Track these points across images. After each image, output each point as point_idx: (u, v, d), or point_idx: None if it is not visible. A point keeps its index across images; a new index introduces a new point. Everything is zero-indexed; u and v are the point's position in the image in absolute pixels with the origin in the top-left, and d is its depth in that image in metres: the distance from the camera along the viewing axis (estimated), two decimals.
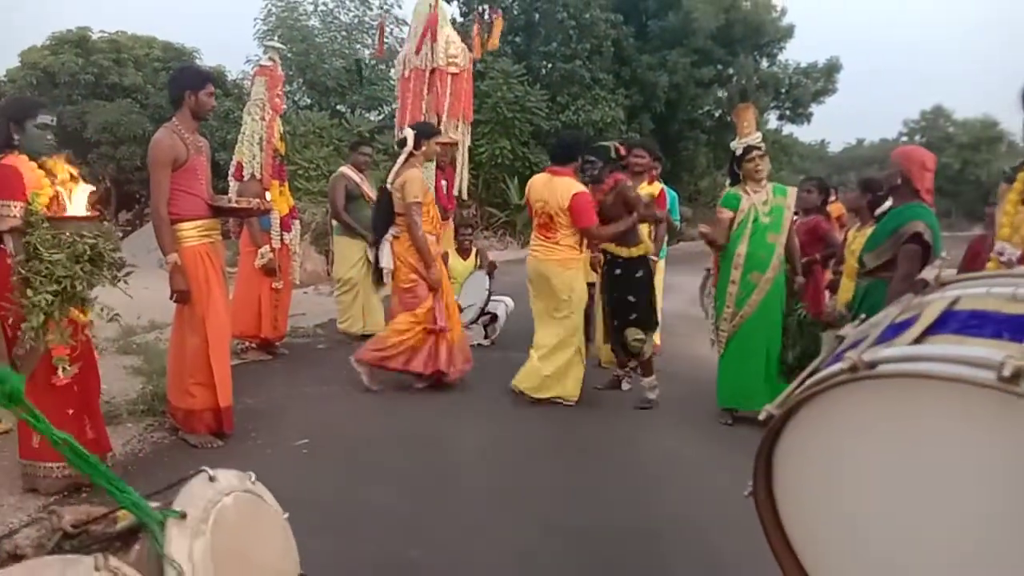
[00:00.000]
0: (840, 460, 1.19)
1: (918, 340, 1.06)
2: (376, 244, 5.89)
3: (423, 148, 5.45)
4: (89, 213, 3.38)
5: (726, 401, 4.96)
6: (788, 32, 23.99)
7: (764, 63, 24.59)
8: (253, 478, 1.46)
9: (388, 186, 5.47)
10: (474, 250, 7.60)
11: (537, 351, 5.25)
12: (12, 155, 3.40)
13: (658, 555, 3.09)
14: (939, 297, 1.14)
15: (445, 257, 6.16)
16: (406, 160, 5.43)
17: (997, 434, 0.96)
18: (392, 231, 5.46)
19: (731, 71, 23.26)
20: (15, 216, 3.20)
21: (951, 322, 1.07)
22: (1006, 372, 0.87)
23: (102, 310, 3.43)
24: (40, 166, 3.45)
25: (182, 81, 4.17)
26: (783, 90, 24.61)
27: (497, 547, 3.08)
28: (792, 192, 5.04)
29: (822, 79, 24.85)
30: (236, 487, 1.40)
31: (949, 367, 0.96)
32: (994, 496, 1.01)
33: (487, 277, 7.20)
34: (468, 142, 7.67)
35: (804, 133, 41.70)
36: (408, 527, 3.23)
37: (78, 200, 3.40)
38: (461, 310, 6.40)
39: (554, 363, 5.19)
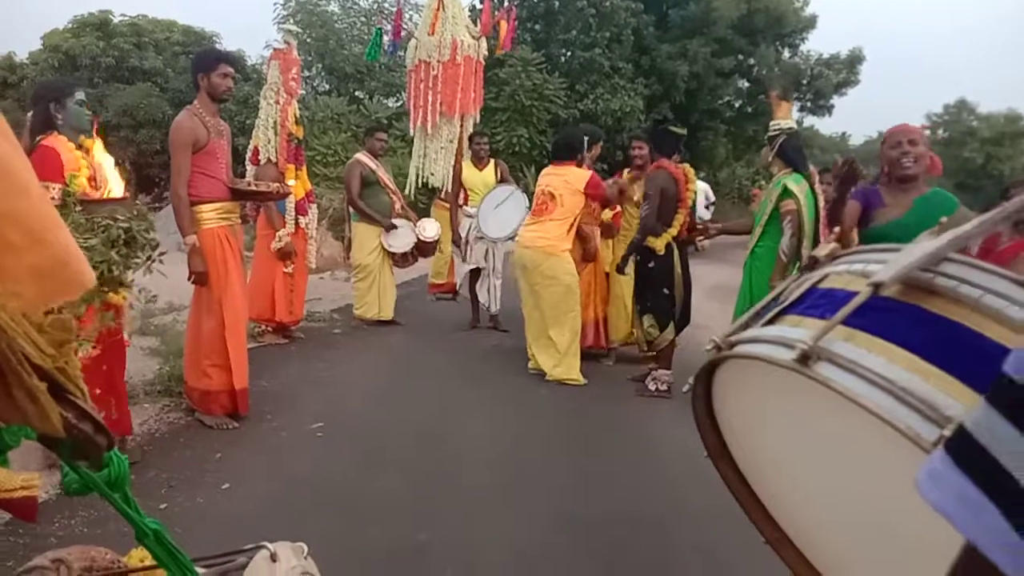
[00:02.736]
0: (748, 425, 1.29)
1: (772, 320, 1.11)
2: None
3: (592, 151, 6.03)
4: (122, 195, 3.41)
5: None
6: (810, 22, 23.70)
7: (786, 53, 24.33)
8: (306, 552, 1.38)
9: None
10: (492, 161, 7.32)
11: (539, 346, 5.60)
12: (51, 136, 3.44)
13: (667, 545, 3.09)
14: (815, 275, 1.17)
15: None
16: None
17: (806, 410, 1.03)
18: None
19: (752, 61, 23.05)
20: (54, 198, 3.21)
21: (805, 301, 1.10)
22: (794, 355, 0.92)
23: (140, 291, 3.46)
24: (78, 146, 3.50)
25: (195, 64, 4.24)
26: (804, 81, 24.36)
27: (505, 534, 3.10)
28: (775, 191, 4.65)
29: (844, 70, 24.53)
30: (296, 566, 1.32)
31: (768, 348, 1.01)
32: (840, 474, 1.08)
33: (524, 195, 6.57)
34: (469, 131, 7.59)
35: (825, 125, 41.34)
36: (419, 511, 3.25)
37: (113, 179, 3.43)
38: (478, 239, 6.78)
39: (556, 354, 5.52)
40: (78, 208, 3.18)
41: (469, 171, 7.23)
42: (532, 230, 5.51)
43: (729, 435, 1.36)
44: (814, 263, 1.20)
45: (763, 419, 1.22)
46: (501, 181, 7.10)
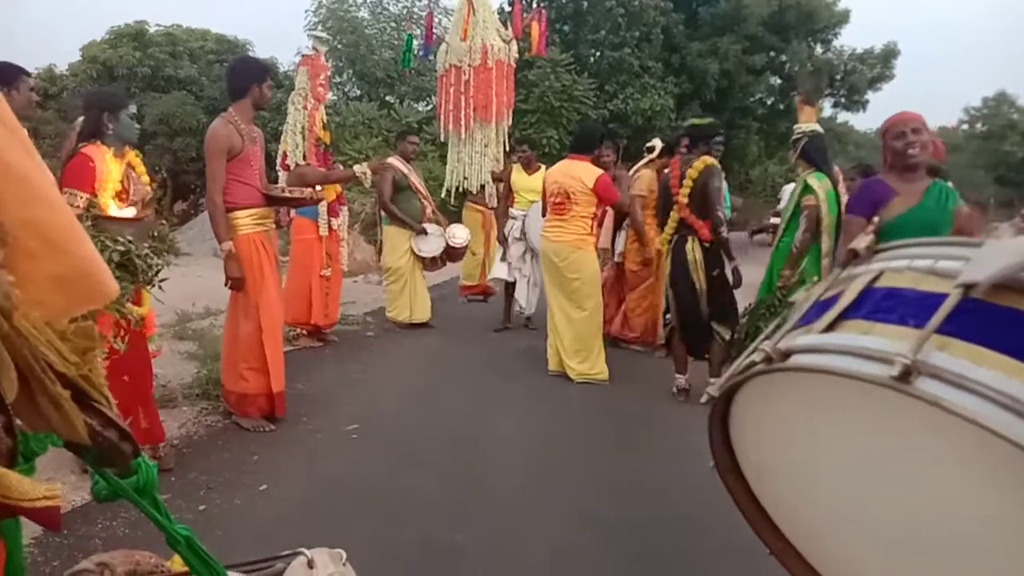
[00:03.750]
0: (773, 437, 1.21)
1: (831, 326, 1.02)
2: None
3: (664, 158, 6.22)
4: (134, 214, 3.40)
5: None
6: (843, 17, 23.34)
7: (818, 49, 23.99)
8: (344, 558, 1.36)
9: None
10: (542, 168, 7.25)
11: (563, 343, 5.58)
12: (93, 145, 3.45)
13: (699, 546, 3.07)
14: (864, 271, 1.08)
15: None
16: (646, 163, 6.42)
17: (895, 429, 0.94)
18: (626, 221, 6.46)
19: (783, 58, 22.77)
20: (79, 207, 3.24)
21: (866, 303, 1.01)
22: (895, 372, 0.83)
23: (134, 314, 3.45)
24: (121, 157, 3.53)
25: (248, 73, 4.23)
26: (838, 77, 23.99)
27: (538, 535, 3.10)
28: (798, 189, 4.81)
29: (878, 65, 24.10)
30: (334, 573, 1.31)
31: (847, 361, 0.92)
32: (895, 488, 1.00)
33: None
34: (504, 136, 7.58)
35: (860, 121, 40.64)
36: (453, 512, 3.26)
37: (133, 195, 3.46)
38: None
39: (581, 350, 5.54)
40: (88, 223, 3.14)
41: (519, 176, 7.28)
42: (557, 226, 5.53)
43: (741, 447, 1.31)
44: (854, 256, 1.14)
45: (788, 432, 1.16)
46: None
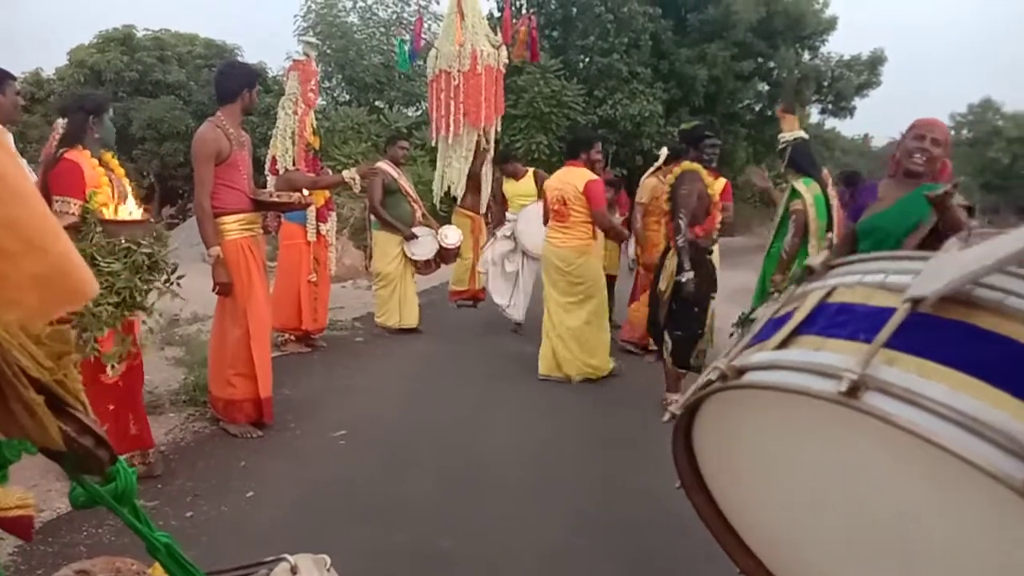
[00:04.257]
0: (736, 454, 1.21)
1: (784, 342, 1.02)
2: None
3: (669, 164, 6.00)
4: (141, 216, 3.41)
5: None
6: (831, 24, 23.51)
7: (806, 56, 24.14)
8: (328, 564, 1.35)
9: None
10: (530, 172, 7.39)
11: (567, 344, 5.60)
12: (75, 150, 3.39)
13: (691, 548, 3.06)
14: (819, 287, 1.08)
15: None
16: (654, 171, 6.46)
17: (849, 444, 0.94)
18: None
19: (771, 64, 22.90)
20: (73, 214, 3.20)
21: (820, 319, 1.01)
22: (843, 387, 0.83)
23: (160, 315, 3.48)
24: (100, 161, 3.50)
25: (238, 79, 4.20)
26: (825, 83, 24.14)
27: (529, 539, 3.09)
28: (786, 195, 4.85)
29: (865, 72, 24.28)
30: None
31: (798, 378, 0.92)
32: (855, 502, 1.00)
33: None
34: (492, 143, 7.62)
35: (847, 127, 40.85)
36: (442, 518, 3.25)
37: (131, 200, 3.46)
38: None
39: (582, 342, 5.60)
40: (99, 229, 3.14)
41: (508, 184, 7.45)
42: (561, 232, 5.60)
43: (705, 464, 1.30)
44: (810, 272, 1.14)
45: (748, 448, 1.16)
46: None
